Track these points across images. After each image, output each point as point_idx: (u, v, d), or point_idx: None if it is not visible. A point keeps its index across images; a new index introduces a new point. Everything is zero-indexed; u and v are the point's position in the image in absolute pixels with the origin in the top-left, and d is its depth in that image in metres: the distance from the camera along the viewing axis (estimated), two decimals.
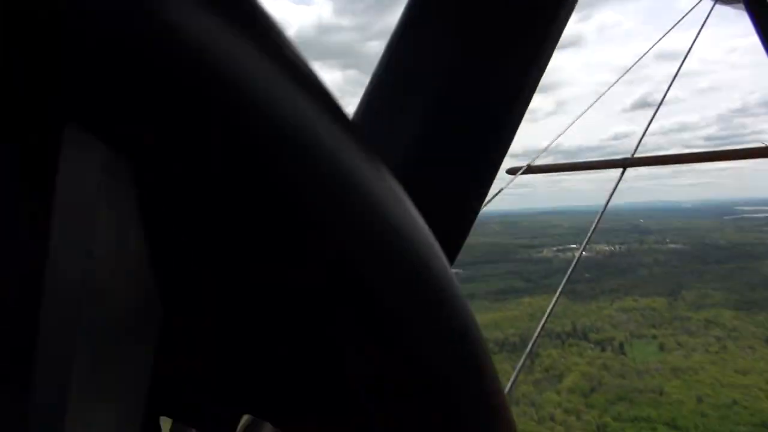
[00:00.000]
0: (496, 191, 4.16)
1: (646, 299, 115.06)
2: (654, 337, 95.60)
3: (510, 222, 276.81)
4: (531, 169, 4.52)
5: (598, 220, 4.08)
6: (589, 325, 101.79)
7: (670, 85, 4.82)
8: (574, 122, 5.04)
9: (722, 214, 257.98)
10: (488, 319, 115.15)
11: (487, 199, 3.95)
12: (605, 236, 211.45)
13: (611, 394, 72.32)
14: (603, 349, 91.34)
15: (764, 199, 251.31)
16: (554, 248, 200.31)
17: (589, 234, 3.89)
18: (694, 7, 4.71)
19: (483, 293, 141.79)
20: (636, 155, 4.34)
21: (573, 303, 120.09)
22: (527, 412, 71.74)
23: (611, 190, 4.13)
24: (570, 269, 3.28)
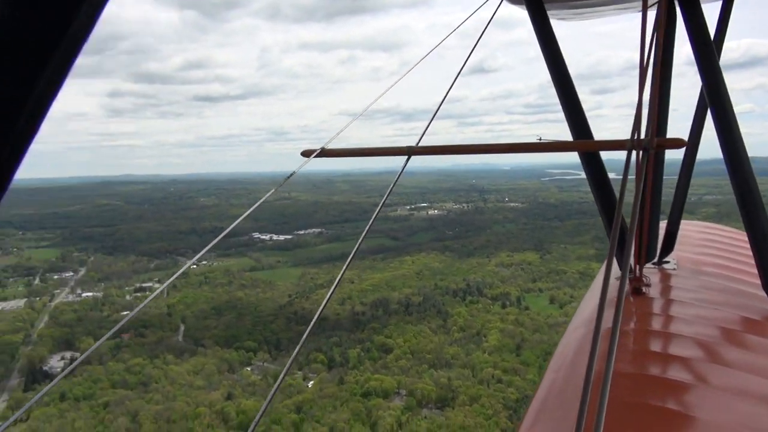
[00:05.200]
0: (290, 173, 4.73)
1: (518, 254, 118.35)
2: (540, 290, 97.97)
3: (354, 181, 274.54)
4: (324, 153, 4.70)
5: (388, 194, 4.59)
6: (480, 281, 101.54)
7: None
8: (369, 106, 5.51)
9: (538, 176, 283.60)
10: (378, 279, 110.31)
11: (283, 182, 4.76)
12: (450, 195, 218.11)
13: (539, 350, 71.68)
14: (503, 305, 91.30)
15: (567, 163, 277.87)
16: (407, 207, 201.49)
17: (382, 201, 4.56)
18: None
19: (359, 253, 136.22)
20: (421, 144, 4.64)
21: (454, 260, 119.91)
22: (465, 374, 68.42)
23: (398, 174, 4.54)
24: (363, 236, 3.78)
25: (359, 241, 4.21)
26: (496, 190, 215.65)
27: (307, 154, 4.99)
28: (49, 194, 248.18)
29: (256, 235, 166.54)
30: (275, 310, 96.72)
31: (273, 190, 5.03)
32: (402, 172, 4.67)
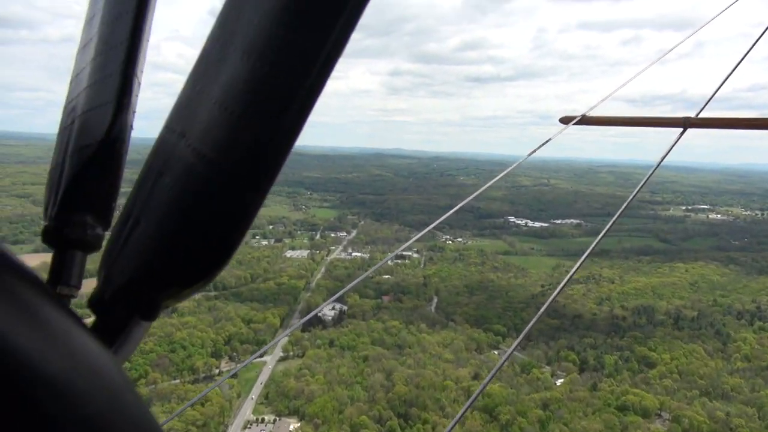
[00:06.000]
0: (546, 140, 4.75)
1: None
2: None
3: (620, 172, 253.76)
4: (585, 120, 4.43)
5: (649, 176, 4.15)
6: None
7: None
8: (638, 75, 5.22)
9: None
10: (644, 283, 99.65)
11: (536, 147, 5.21)
12: (738, 199, 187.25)
13: None
14: None
15: None
16: (682, 207, 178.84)
17: (649, 174, 4.16)
18: None
19: (620, 251, 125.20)
20: (702, 115, 4.07)
21: (740, 275, 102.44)
22: (749, 413, 57.59)
23: (669, 148, 4.09)
24: None
25: (600, 236, 3.98)
26: None
27: (566, 120, 4.79)
28: (334, 161, 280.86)
29: (512, 219, 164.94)
30: (527, 298, 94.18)
31: (525, 157, 4.93)
32: (674, 145, 4.21)
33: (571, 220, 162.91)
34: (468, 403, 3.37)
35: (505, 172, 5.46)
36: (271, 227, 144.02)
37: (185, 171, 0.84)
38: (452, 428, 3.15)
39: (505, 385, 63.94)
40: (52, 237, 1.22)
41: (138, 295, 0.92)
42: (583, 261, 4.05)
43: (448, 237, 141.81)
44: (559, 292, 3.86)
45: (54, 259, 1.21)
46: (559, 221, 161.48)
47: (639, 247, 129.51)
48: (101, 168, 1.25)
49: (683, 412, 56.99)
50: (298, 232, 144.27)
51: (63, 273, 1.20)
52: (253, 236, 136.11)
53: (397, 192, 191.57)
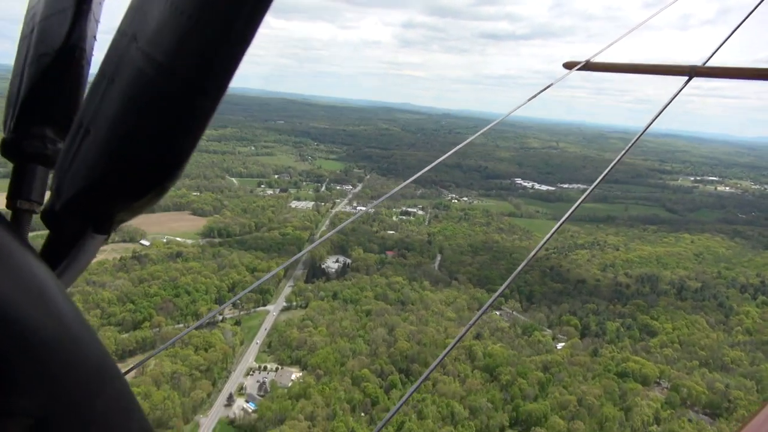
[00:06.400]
0: (548, 84, 4.53)
1: None
2: None
3: (630, 140, 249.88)
4: (589, 66, 4.29)
5: (649, 125, 4.04)
6: None
7: None
8: (645, 22, 5.03)
9: None
10: (648, 252, 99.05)
11: (539, 90, 4.86)
12: (749, 172, 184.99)
13: None
14: None
15: None
16: (691, 178, 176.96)
17: (649, 122, 4.03)
18: None
19: (626, 218, 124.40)
20: (709, 65, 3.90)
21: (746, 249, 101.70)
22: (747, 385, 57.76)
23: (674, 94, 3.93)
24: None
25: (584, 195, 3.84)
26: None
27: (569, 66, 4.61)
28: (342, 113, 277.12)
29: (519, 180, 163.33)
30: (531, 260, 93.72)
31: (524, 103, 4.75)
32: (677, 94, 4.03)
33: (579, 185, 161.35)
34: (444, 352, 3.33)
35: (500, 119, 5.28)
36: (276, 177, 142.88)
37: (135, 76, 0.80)
38: (430, 374, 3.11)
39: (506, 346, 64.12)
40: (10, 150, 1.18)
41: (89, 206, 0.90)
42: (563, 222, 3.75)
43: (453, 196, 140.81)
44: (537, 252, 3.71)
45: (14, 172, 1.17)
46: (565, 185, 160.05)
47: (645, 215, 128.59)
48: (60, 78, 1.21)
49: (682, 382, 57.22)
50: (304, 183, 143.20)
51: (23, 187, 1.17)
52: (259, 185, 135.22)
53: (404, 147, 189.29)
